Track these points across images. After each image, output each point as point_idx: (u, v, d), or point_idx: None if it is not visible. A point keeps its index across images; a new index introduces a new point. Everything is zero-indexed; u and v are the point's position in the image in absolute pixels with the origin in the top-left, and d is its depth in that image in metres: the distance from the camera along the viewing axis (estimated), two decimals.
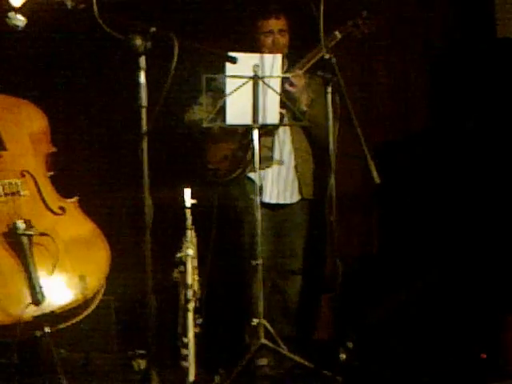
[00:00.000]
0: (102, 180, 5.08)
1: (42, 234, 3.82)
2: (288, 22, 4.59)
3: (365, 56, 5.24)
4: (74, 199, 4.09)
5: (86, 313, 3.88)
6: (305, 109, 4.44)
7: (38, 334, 3.70)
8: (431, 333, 4.30)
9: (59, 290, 3.81)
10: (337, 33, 4.48)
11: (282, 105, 4.35)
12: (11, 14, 3.54)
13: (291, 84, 4.45)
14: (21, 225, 3.80)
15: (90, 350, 4.43)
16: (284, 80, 4.37)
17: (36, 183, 4.02)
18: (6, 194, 3.92)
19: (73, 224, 4.00)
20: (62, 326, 3.81)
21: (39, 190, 4.01)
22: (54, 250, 3.81)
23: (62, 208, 4.02)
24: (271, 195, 4.56)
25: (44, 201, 3.99)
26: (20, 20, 3.55)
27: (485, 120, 4.66)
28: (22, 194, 3.95)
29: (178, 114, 4.64)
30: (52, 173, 4.14)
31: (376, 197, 4.93)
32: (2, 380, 3.78)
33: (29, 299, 3.72)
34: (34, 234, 3.81)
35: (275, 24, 4.56)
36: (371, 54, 5.24)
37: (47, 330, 3.69)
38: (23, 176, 4.00)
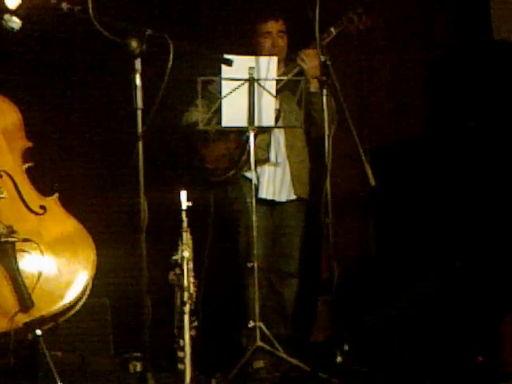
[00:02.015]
0: (98, 181, 5.08)
1: (25, 240, 3.74)
2: (286, 24, 4.59)
3: (363, 57, 5.24)
4: (55, 196, 3.95)
5: (72, 312, 3.84)
6: (313, 90, 4.37)
7: (30, 336, 3.67)
8: (428, 335, 4.30)
9: (47, 294, 3.74)
10: (332, 29, 4.47)
11: (289, 87, 4.34)
12: (7, 17, 3.53)
13: (302, 60, 4.44)
14: (2, 231, 3.71)
15: (86, 353, 4.42)
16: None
17: (14, 183, 3.88)
18: None
19: (55, 222, 3.89)
20: (49, 325, 3.76)
21: (18, 191, 3.88)
22: (39, 254, 3.75)
23: (42, 207, 3.90)
24: (267, 192, 4.55)
25: (24, 201, 3.87)
26: (15, 22, 3.54)
27: (483, 121, 4.67)
28: (0, 196, 3.82)
29: (175, 116, 4.64)
30: (29, 164, 3.99)
31: (373, 199, 4.93)
32: None
33: (17, 307, 3.68)
34: (16, 241, 3.73)
35: (274, 26, 4.56)
36: (369, 55, 5.24)
37: (39, 332, 3.66)
38: (0, 177, 3.87)
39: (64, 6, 3.46)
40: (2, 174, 3.88)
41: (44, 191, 3.98)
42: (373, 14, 4.53)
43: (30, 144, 4.01)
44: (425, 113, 5.20)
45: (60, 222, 3.91)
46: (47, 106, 4.90)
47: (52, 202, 3.94)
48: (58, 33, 4.90)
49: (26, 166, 3.98)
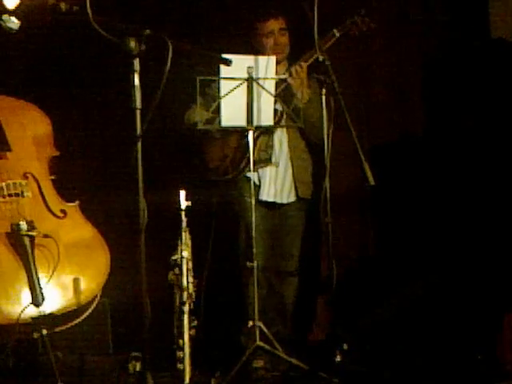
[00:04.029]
0: (98, 182, 5.08)
1: (45, 236, 3.85)
2: (287, 21, 4.59)
3: (361, 57, 5.23)
4: (76, 203, 4.11)
5: (83, 316, 3.91)
6: (300, 106, 4.39)
7: (36, 335, 3.72)
8: (428, 334, 4.30)
9: (59, 292, 3.84)
10: (335, 31, 4.48)
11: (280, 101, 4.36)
12: (5, 17, 3.54)
13: (290, 75, 4.44)
14: (24, 225, 3.82)
15: (86, 352, 4.42)
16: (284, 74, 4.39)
17: (38, 185, 4.04)
18: (9, 195, 3.95)
19: (74, 227, 4.03)
20: (59, 328, 3.83)
21: (41, 193, 4.03)
22: (56, 253, 3.84)
23: (63, 211, 4.05)
24: (269, 194, 4.56)
25: (46, 203, 4.02)
26: (14, 23, 3.55)
27: (481, 120, 4.67)
28: (25, 195, 3.97)
29: (174, 115, 4.64)
30: (54, 176, 4.17)
31: (372, 198, 4.94)
32: None
33: (29, 300, 3.74)
34: (37, 235, 3.83)
35: (275, 24, 4.57)
36: (367, 54, 5.24)
37: (45, 332, 3.70)
38: (26, 178, 4.02)
39: (62, 6, 3.46)
40: (29, 175, 4.04)
41: (65, 198, 4.13)
42: (375, 15, 4.53)
43: (57, 153, 4.21)
44: (424, 112, 5.20)
45: (79, 227, 4.06)
46: (45, 106, 4.90)
47: (73, 208, 4.10)
48: (57, 33, 4.90)
49: (52, 177, 4.14)
